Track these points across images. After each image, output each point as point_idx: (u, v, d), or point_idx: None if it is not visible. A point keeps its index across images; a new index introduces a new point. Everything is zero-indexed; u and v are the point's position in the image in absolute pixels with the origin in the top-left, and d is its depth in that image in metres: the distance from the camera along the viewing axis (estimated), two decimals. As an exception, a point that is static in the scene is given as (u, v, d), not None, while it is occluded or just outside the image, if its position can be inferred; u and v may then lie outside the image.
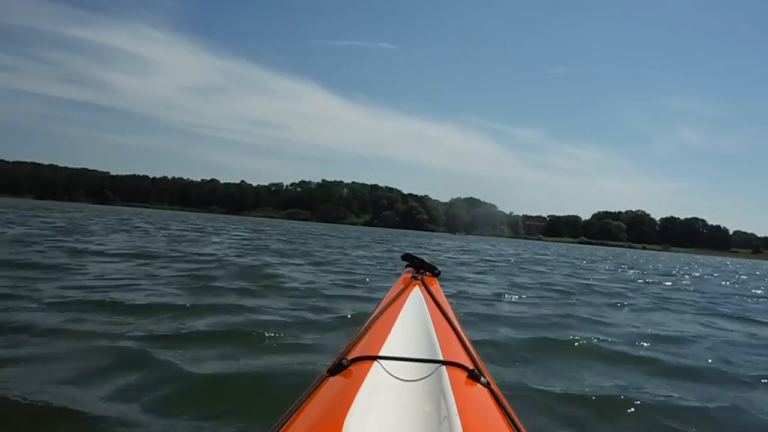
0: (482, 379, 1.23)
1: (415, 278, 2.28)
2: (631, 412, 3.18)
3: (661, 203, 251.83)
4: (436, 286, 2.28)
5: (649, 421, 3.10)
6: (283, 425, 1.02)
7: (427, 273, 2.45)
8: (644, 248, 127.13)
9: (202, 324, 4.59)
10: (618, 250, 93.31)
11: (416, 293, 2.05)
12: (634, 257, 47.63)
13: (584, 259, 29.45)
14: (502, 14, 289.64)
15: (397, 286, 2.25)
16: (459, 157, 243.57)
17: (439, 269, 2.52)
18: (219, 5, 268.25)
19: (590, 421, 3.03)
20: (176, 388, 3.01)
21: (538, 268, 17.28)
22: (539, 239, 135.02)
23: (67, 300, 5.11)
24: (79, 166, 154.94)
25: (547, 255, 31.28)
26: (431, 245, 31.54)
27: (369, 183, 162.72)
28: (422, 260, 2.52)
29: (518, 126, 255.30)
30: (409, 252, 2.63)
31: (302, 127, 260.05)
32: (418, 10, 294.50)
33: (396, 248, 22.63)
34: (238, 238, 20.98)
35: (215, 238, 19.23)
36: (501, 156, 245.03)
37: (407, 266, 2.57)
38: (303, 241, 22.95)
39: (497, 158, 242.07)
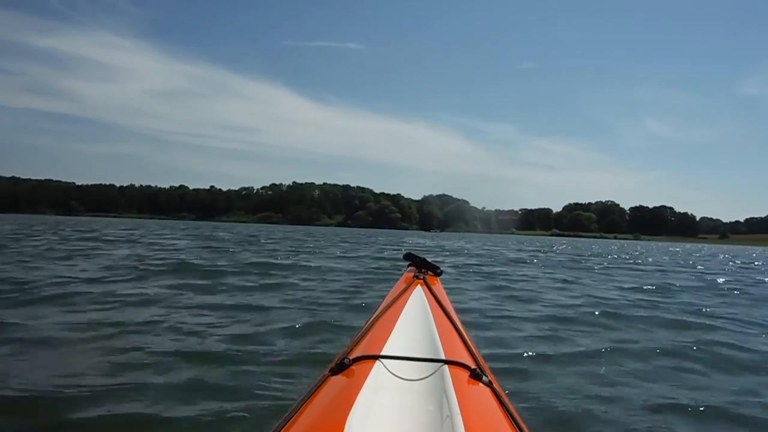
0: (484, 378, 1.23)
1: (417, 278, 2.31)
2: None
3: (630, 193, 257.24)
4: (438, 286, 2.29)
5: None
6: (285, 424, 1.02)
7: (429, 272, 2.46)
8: (615, 238, 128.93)
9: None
10: (603, 241, 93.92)
11: (418, 292, 2.07)
12: (638, 249, 45.10)
13: (582, 257, 22.82)
14: (469, 11, 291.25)
15: (399, 285, 2.27)
16: (431, 154, 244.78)
17: (441, 269, 2.54)
18: (183, 10, 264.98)
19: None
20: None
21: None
22: (512, 233, 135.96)
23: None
24: (43, 178, 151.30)
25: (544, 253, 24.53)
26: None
27: (341, 183, 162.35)
28: (424, 259, 2.54)
29: (490, 122, 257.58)
30: (411, 252, 2.66)
31: (272, 129, 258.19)
32: (385, 10, 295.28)
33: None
34: (154, 248, 14.47)
35: (121, 249, 13.70)
36: (473, 152, 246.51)
37: (409, 266, 2.60)
38: (231, 249, 15.60)
39: (469, 154, 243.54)
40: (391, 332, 1.53)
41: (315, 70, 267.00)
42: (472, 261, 15.56)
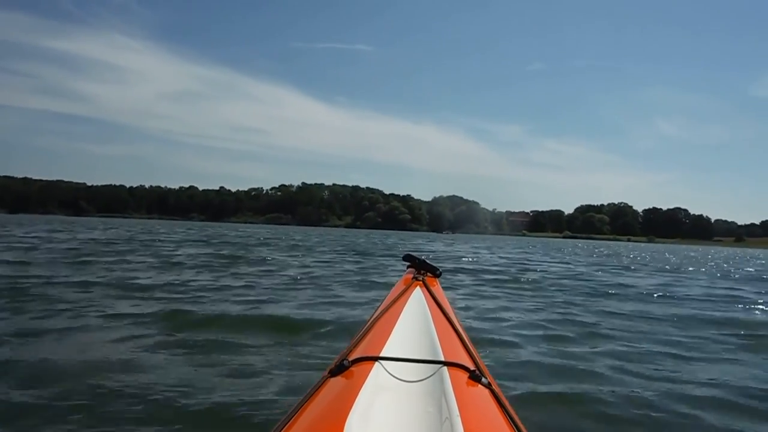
0: (483, 380, 1.23)
1: (417, 279, 2.30)
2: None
3: (643, 195, 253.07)
4: (437, 287, 2.28)
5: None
6: (284, 426, 1.02)
7: (429, 274, 2.46)
8: (629, 240, 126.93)
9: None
10: (628, 244, 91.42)
11: (417, 294, 2.06)
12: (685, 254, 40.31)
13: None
14: (477, 13, 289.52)
15: (398, 286, 2.26)
16: (441, 156, 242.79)
17: (440, 270, 2.52)
18: (193, 12, 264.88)
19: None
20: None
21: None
22: (523, 235, 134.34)
23: None
24: (55, 178, 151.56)
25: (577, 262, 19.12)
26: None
27: (350, 185, 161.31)
28: (423, 261, 2.53)
29: (499, 123, 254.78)
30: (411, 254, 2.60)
31: (282, 131, 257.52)
32: (395, 11, 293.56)
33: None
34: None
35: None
36: (483, 153, 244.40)
37: (408, 267, 2.58)
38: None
39: (479, 156, 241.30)
40: (390, 334, 1.52)
41: (324, 71, 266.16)
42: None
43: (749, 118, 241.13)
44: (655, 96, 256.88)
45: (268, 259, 12.49)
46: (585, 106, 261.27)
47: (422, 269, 2.48)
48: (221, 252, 14.05)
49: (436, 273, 2.51)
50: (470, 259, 17.21)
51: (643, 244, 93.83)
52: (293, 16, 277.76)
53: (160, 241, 19.08)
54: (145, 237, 21.59)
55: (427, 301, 1.95)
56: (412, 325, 1.65)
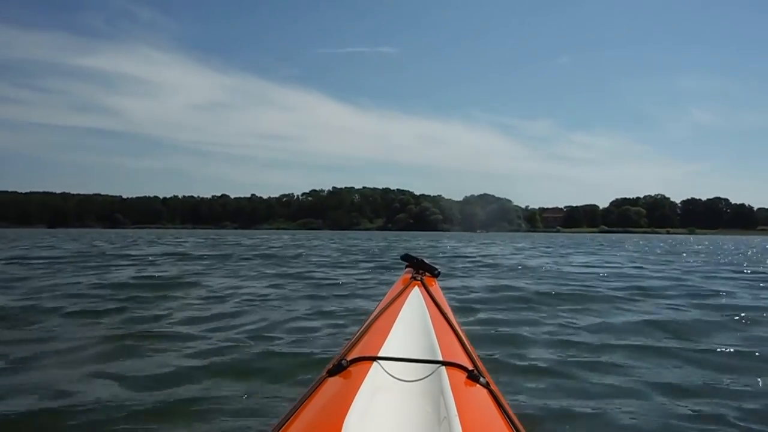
0: (482, 379, 1.23)
1: (415, 279, 2.30)
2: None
3: (679, 186, 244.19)
4: (435, 287, 2.28)
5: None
6: (282, 426, 1.03)
7: (427, 273, 2.45)
8: (668, 233, 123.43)
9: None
10: (670, 237, 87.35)
11: (416, 294, 2.06)
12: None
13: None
14: (500, 9, 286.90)
15: (396, 286, 2.26)
16: (470, 154, 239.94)
17: (439, 269, 2.50)
18: (218, 22, 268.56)
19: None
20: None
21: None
22: (557, 231, 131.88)
23: None
24: (92, 192, 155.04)
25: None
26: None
27: (380, 187, 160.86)
28: (422, 260, 2.52)
29: (527, 119, 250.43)
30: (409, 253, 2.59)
31: (310, 136, 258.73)
32: (416, 13, 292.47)
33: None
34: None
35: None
36: (512, 150, 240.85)
37: (407, 267, 2.57)
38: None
39: (508, 152, 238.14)
40: (388, 333, 1.52)
41: (350, 76, 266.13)
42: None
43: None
44: (687, 83, 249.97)
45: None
46: (614, 98, 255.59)
47: (420, 269, 2.47)
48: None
49: (434, 273, 2.49)
50: (548, 268, 12.51)
51: (687, 236, 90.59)
52: (316, 23, 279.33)
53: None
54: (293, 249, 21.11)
55: (425, 301, 1.94)
56: (411, 325, 1.64)
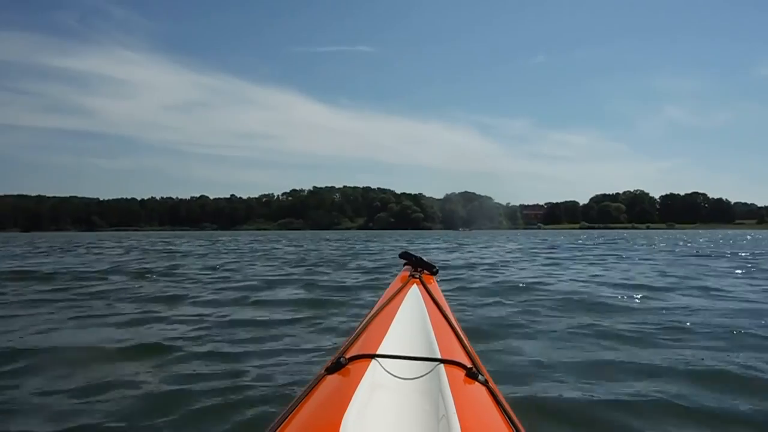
0: (480, 377, 1.23)
1: (413, 276, 2.28)
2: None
3: (656, 182, 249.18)
4: (433, 285, 2.26)
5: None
6: (281, 424, 1.03)
7: (425, 271, 2.43)
8: (648, 228, 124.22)
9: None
10: (646, 231, 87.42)
11: (414, 291, 2.06)
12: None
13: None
14: (477, 8, 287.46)
15: (395, 284, 2.23)
16: (450, 153, 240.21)
17: (437, 267, 2.49)
18: (194, 21, 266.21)
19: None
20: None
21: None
22: (539, 228, 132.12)
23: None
24: (68, 195, 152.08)
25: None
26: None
27: (361, 186, 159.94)
28: (420, 258, 2.51)
29: (505, 117, 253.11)
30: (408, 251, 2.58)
31: (289, 135, 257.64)
32: (394, 12, 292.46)
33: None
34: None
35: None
36: (491, 148, 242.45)
37: (405, 264, 2.56)
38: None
39: (488, 151, 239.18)
40: (387, 331, 1.52)
41: (328, 74, 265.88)
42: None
43: (756, 99, 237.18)
44: (660, 81, 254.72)
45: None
46: (589, 96, 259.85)
47: (419, 267, 2.45)
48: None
49: (432, 270, 2.46)
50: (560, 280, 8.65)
51: (663, 231, 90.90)
52: (293, 22, 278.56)
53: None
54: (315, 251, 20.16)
55: (423, 299, 1.93)
56: (409, 323, 1.64)
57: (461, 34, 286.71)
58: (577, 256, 15.98)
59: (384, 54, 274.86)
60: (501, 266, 11.64)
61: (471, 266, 11.54)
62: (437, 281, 2.40)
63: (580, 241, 30.22)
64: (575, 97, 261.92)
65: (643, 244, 25.49)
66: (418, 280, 2.23)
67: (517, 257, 15.26)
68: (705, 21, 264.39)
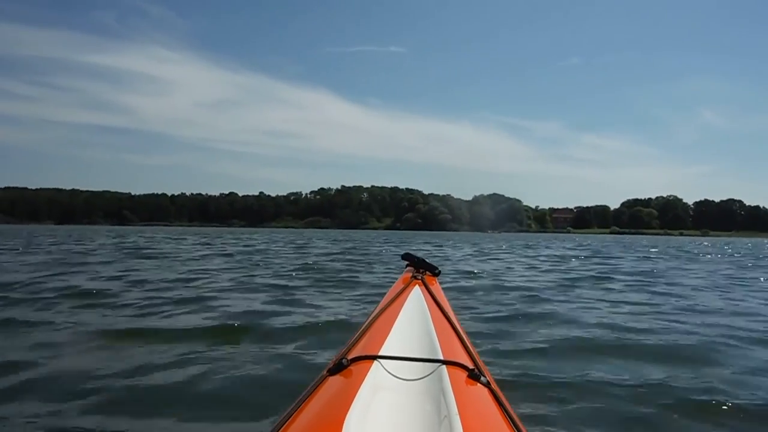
0: (482, 378, 1.23)
1: (416, 278, 2.29)
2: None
3: (690, 187, 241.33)
4: (436, 286, 2.27)
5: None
6: (283, 425, 1.03)
7: (428, 272, 2.44)
8: (681, 234, 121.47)
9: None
10: (677, 239, 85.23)
11: (416, 293, 2.06)
12: None
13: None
14: (509, 9, 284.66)
15: (397, 285, 2.25)
16: (479, 154, 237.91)
17: (439, 269, 2.49)
18: (227, 20, 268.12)
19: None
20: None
21: None
22: (568, 232, 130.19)
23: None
24: (101, 189, 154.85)
25: None
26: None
27: (389, 186, 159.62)
28: (422, 260, 2.52)
29: (536, 120, 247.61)
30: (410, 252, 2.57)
31: (319, 135, 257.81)
32: (426, 13, 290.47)
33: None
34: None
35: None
36: (521, 150, 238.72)
37: (407, 266, 2.56)
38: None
39: (517, 153, 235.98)
40: (389, 332, 1.52)
41: (358, 74, 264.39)
42: None
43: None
44: (697, 85, 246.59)
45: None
46: (624, 100, 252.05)
47: (421, 268, 2.46)
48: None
49: (434, 272, 2.47)
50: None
51: (702, 238, 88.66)
52: (325, 22, 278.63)
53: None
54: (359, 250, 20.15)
55: (426, 300, 1.93)
56: (411, 324, 1.64)
57: (493, 36, 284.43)
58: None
59: (415, 54, 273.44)
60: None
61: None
62: (439, 282, 2.38)
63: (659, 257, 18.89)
64: (609, 100, 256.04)
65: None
66: (420, 281, 2.22)
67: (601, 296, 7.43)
68: (744, 24, 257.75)
